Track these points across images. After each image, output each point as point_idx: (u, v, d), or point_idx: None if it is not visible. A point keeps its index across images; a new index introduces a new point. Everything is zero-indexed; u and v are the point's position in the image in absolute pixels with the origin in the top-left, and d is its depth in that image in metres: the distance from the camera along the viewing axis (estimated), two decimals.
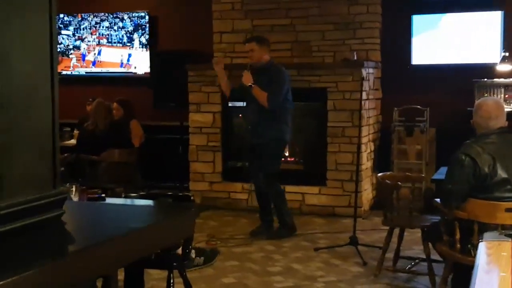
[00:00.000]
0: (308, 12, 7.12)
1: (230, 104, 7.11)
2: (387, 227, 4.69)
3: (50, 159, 1.83)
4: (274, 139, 5.71)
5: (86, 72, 8.64)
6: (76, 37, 8.63)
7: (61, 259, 1.56)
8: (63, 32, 8.56)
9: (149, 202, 3.15)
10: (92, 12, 8.51)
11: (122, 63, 8.43)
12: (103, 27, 8.50)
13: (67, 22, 8.61)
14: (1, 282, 1.32)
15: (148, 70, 8.22)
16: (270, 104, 5.61)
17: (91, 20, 8.54)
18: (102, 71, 8.56)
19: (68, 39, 8.64)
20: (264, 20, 7.27)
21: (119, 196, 4.63)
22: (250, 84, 5.71)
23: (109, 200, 3.87)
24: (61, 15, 8.48)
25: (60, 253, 1.63)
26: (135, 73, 8.35)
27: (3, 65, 1.63)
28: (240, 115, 6.83)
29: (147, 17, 8.23)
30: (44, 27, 1.81)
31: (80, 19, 8.57)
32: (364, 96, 6.26)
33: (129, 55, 8.39)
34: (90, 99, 7.65)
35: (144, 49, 8.27)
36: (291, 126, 5.82)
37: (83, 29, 8.59)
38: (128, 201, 3.24)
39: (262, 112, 5.66)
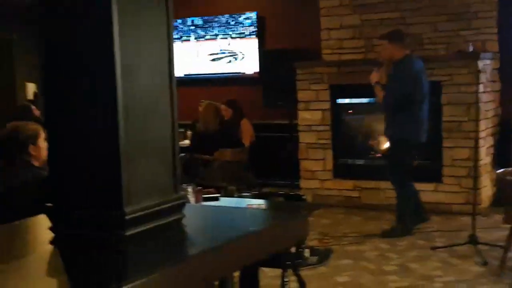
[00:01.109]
0: (419, 4, 6.91)
1: (339, 101, 7.05)
2: (509, 225, 4.46)
3: (171, 166, 1.90)
4: (400, 137, 5.63)
5: (196, 74, 8.86)
6: (185, 39, 8.88)
7: (183, 262, 1.61)
8: (175, 36, 8.84)
9: (263, 203, 3.19)
10: (201, 15, 8.72)
11: (231, 64, 8.57)
12: (213, 28, 8.69)
13: (176, 26, 8.88)
14: (129, 285, 1.37)
15: (257, 69, 8.32)
16: (385, 99, 5.58)
17: (200, 23, 8.75)
18: (212, 72, 8.75)
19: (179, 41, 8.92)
20: (373, 14, 7.14)
21: (232, 196, 4.73)
22: (374, 82, 5.67)
23: (223, 200, 3.96)
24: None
25: (182, 256, 1.68)
26: (244, 73, 8.47)
27: (131, 79, 1.72)
28: (350, 111, 6.76)
29: (255, 17, 8.33)
30: (164, 42, 1.90)
31: (188, 22, 8.80)
32: (481, 88, 5.98)
33: (238, 56, 8.52)
34: (202, 101, 7.86)
35: (253, 49, 8.37)
36: (420, 123, 5.64)
37: (193, 32, 8.82)
38: (242, 202, 3.29)
39: (390, 109, 5.63)
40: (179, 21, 8.83)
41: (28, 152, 3.34)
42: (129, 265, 1.62)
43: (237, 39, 8.51)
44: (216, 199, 3.88)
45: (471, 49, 6.45)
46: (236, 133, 7.05)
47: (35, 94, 9.65)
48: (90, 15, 1.70)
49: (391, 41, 5.67)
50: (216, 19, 8.64)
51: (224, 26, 8.60)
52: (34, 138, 3.38)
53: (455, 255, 5.01)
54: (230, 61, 8.60)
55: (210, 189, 4.12)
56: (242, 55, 8.50)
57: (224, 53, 8.65)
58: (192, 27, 8.85)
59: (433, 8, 6.83)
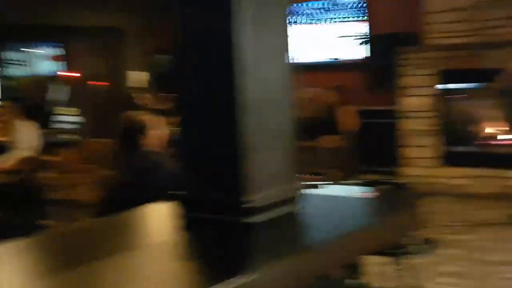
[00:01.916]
0: None
1: (447, 86, 6.87)
2: None
3: (291, 157, 1.96)
4: None
5: (302, 60, 8.87)
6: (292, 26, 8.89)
7: (306, 251, 1.67)
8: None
9: (373, 193, 3.18)
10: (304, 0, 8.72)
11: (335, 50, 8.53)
12: (315, 14, 8.65)
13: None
14: (257, 274, 1.45)
15: (363, 55, 8.21)
16: None
17: (307, 8, 8.72)
18: (317, 58, 8.73)
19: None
20: None
21: (337, 183, 4.75)
22: None
23: (332, 188, 3.98)
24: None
25: (305, 246, 1.74)
26: (350, 58, 8.38)
27: (256, 74, 1.79)
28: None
29: (358, 1, 8.23)
30: (283, 33, 1.96)
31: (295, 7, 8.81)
32: None
33: (342, 42, 8.46)
34: (310, 88, 7.87)
35: (358, 34, 8.27)
36: None
37: (301, 17, 8.81)
38: (352, 190, 3.29)
39: None
40: None
41: (141, 141, 3.53)
42: (251, 254, 1.70)
43: (344, 23, 8.41)
44: (322, 186, 3.91)
45: None
46: (339, 120, 7.05)
47: (149, 82, 10.01)
48: (219, 8, 1.79)
49: None
50: (317, 4, 8.60)
51: (326, 11, 8.55)
52: (145, 128, 3.56)
53: None
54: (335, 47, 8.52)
55: (313, 176, 4.16)
56: (348, 41, 8.42)
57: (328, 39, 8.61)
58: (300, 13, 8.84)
59: None
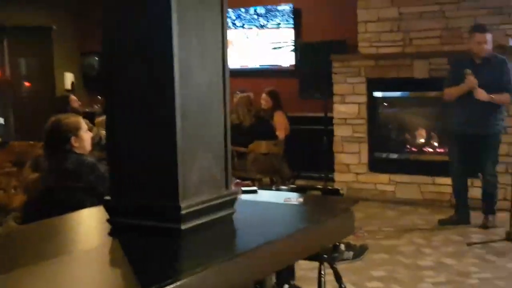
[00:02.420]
0: None
1: (376, 94, 7.04)
2: None
3: (224, 162, 1.96)
4: (500, 129, 5.66)
5: (233, 66, 8.91)
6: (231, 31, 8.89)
7: (236, 257, 1.66)
8: None
9: (302, 198, 3.21)
10: (236, 6, 8.75)
11: (267, 56, 8.60)
12: (248, 20, 8.71)
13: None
14: (185, 279, 1.43)
15: (293, 62, 8.33)
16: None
17: (236, 14, 8.77)
18: (249, 64, 8.78)
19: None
20: (412, 7, 7.08)
21: (267, 188, 4.77)
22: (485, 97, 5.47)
23: (261, 193, 4.00)
24: None
25: (235, 251, 1.74)
26: (280, 65, 8.49)
27: (186, 79, 1.77)
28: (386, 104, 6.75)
29: (291, 9, 8.33)
30: (219, 40, 1.95)
31: (229, 11, 8.83)
32: None
33: (274, 48, 8.54)
34: (237, 92, 7.92)
35: (289, 41, 8.38)
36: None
37: (231, 22, 8.84)
38: (280, 196, 3.31)
39: (484, 102, 5.49)
40: None
41: (71, 144, 3.44)
42: (183, 259, 1.68)
43: (273, 30, 8.51)
44: (255, 192, 3.92)
45: (511, 43, 6.37)
46: (271, 125, 7.09)
47: (72, 84, 9.81)
48: (149, 12, 1.76)
49: (491, 33, 5.58)
50: (250, 10, 8.66)
51: (259, 18, 8.62)
52: (75, 131, 3.48)
53: (492, 251, 4.99)
54: (266, 54, 8.62)
55: (247, 182, 4.16)
56: (279, 47, 8.51)
57: (259, 45, 8.68)
58: (228, 18, 8.88)
59: (473, 2, 6.76)
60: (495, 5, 6.65)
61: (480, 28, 5.61)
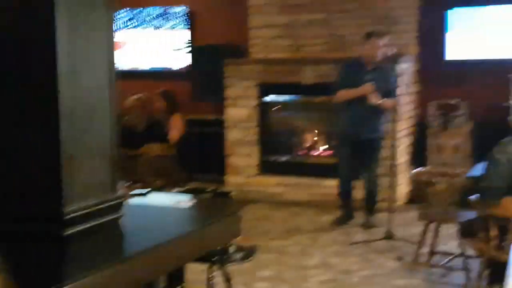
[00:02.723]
0: (345, 6, 7.16)
1: (267, 99, 7.22)
2: (423, 222, 4.73)
3: (111, 165, 1.97)
4: (383, 134, 5.89)
5: (126, 67, 8.78)
6: (119, 31, 8.78)
7: (120, 262, 1.68)
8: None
9: (194, 201, 3.26)
10: (131, 6, 8.66)
11: (161, 58, 8.58)
12: (143, 21, 8.64)
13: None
14: (68, 286, 1.44)
15: (186, 64, 8.35)
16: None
17: (131, 15, 8.68)
18: (142, 66, 8.71)
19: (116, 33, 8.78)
20: (300, 15, 7.32)
21: (160, 191, 4.77)
22: (377, 102, 5.73)
23: (152, 196, 4.01)
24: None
25: (119, 257, 1.75)
26: (174, 67, 8.49)
27: (71, 82, 1.77)
28: (277, 107, 6.94)
29: (185, 12, 8.35)
30: (106, 43, 1.95)
31: (122, 12, 8.71)
32: (401, 90, 6.27)
33: (168, 50, 8.53)
34: (134, 95, 7.84)
35: (183, 44, 8.40)
36: None
37: (123, 23, 8.74)
38: (170, 199, 3.35)
39: (372, 107, 5.72)
40: None
41: None
42: (67, 265, 1.68)
43: (167, 32, 8.50)
44: (145, 195, 3.92)
45: (392, 52, 6.72)
46: (164, 128, 7.07)
47: None
48: (32, 12, 1.74)
49: (379, 39, 5.79)
50: (145, 11, 8.61)
51: (153, 19, 8.58)
52: None
53: (372, 250, 5.26)
54: (159, 55, 8.59)
55: (137, 185, 4.15)
56: (172, 50, 8.51)
57: (154, 46, 8.64)
58: (120, 19, 8.77)
59: (359, 11, 7.09)
60: (379, 14, 7.00)
61: (376, 34, 5.87)
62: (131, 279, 1.66)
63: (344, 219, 6.09)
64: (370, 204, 6.04)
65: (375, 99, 5.72)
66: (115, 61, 1.97)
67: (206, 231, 2.15)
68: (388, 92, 5.75)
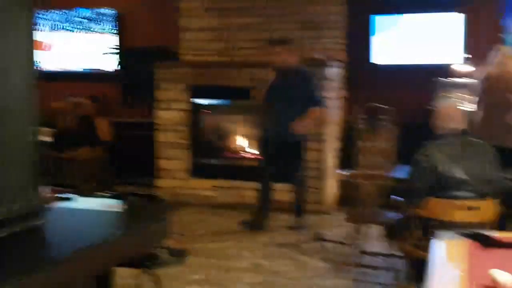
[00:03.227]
0: (274, 11, 7.24)
1: (197, 102, 7.21)
2: (351, 223, 4.84)
3: (31, 170, 1.92)
4: (306, 136, 5.91)
5: (54, 69, 8.60)
6: (47, 32, 8.59)
7: (42, 269, 1.65)
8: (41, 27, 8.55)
9: (122, 205, 3.22)
10: (62, 7, 8.49)
11: (90, 60, 8.44)
12: (72, 22, 8.48)
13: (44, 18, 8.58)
14: None
15: (116, 67, 8.25)
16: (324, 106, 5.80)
17: (61, 16, 8.50)
18: (71, 67, 8.55)
19: (45, 34, 8.60)
20: (232, 18, 7.37)
21: (88, 195, 4.68)
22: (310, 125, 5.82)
23: (80, 200, 3.94)
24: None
25: (42, 263, 1.71)
26: (103, 69, 8.37)
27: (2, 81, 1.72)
28: (211, 111, 6.95)
29: (114, 13, 8.25)
30: (23, 45, 1.90)
31: (49, 13, 8.52)
32: (329, 95, 6.41)
33: (98, 52, 8.40)
34: (69, 96, 7.67)
35: (112, 46, 8.29)
36: None
37: (53, 24, 8.55)
38: (99, 203, 3.30)
39: (294, 111, 5.72)
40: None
41: None
42: None
43: (97, 34, 8.38)
44: (72, 199, 3.85)
45: (320, 57, 6.86)
46: (94, 131, 6.97)
47: None
48: None
49: (287, 46, 5.82)
50: (75, 13, 8.45)
51: (82, 20, 8.43)
52: None
53: (302, 252, 5.34)
54: (89, 57, 8.45)
55: (64, 189, 4.07)
56: (102, 51, 8.38)
57: (82, 48, 8.49)
58: (49, 20, 8.57)
59: (288, 16, 7.19)
60: (307, 20, 7.13)
61: (277, 41, 5.93)
62: (53, 285, 1.63)
63: (257, 225, 6.04)
64: (298, 206, 6.11)
65: (300, 128, 5.75)
66: (35, 62, 1.92)
67: (134, 235, 2.13)
68: (312, 100, 5.78)
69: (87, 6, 8.39)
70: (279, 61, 5.80)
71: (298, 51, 5.96)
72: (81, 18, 8.43)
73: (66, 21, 8.51)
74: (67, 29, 8.51)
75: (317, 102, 5.81)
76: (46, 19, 8.54)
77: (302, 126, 5.75)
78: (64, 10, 8.48)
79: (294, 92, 5.75)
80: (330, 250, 5.26)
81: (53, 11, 8.49)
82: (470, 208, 3.69)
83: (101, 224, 2.24)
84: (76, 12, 8.44)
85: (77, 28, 8.47)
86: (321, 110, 5.82)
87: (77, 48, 8.49)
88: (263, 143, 6.24)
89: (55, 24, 8.54)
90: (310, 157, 6.66)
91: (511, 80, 5.47)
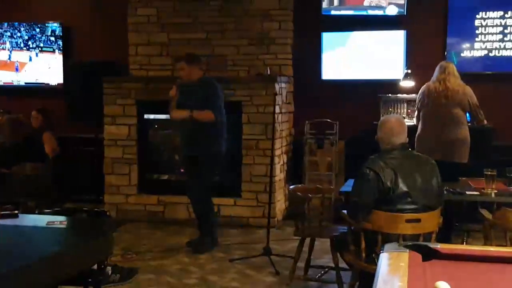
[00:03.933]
0: (224, 27, 7.30)
1: (145, 117, 7.16)
2: (299, 237, 4.88)
3: None
4: (212, 152, 5.77)
5: None
6: None
7: None
8: None
9: (65, 221, 3.18)
10: (7, 20, 8.34)
11: (40, 74, 8.30)
12: (17, 36, 8.34)
13: None
14: None
15: (61, 81, 8.14)
16: (217, 116, 5.68)
17: (7, 29, 8.35)
18: (15, 81, 8.38)
19: None
20: (180, 33, 7.38)
21: (32, 212, 4.60)
22: (187, 115, 5.69)
23: (23, 217, 3.86)
24: None
25: None
26: (48, 83, 8.24)
27: None
28: (156, 126, 6.91)
29: (60, 27, 8.15)
30: None
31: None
32: (277, 110, 6.47)
33: (43, 66, 8.27)
34: (1, 110, 7.54)
35: (57, 60, 8.18)
36: (226, 138, 5.91)
37: (2, 39, 8.40)
38: (43, 220, 3.25)
39: (198, 126, 5.69)
40: None
41: None
42: None
43: (41, 48, 8.25)
44: (15, 216, 3.77)
45: (268, 72, 6.95)
46: (39, 145, 6.83)
47: None
48: None
49: (189, 62, 5.83)
50: (17, 26, 8.31)
51: (25, 34, 8.30)
52: None
53: (251, 266, 5.34)
54: (32, 70, 8.31)
55: (7, 206, 3.98)
56: (45, 65, 8.26)
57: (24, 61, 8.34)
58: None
59: (237, 32, 7.25)
60: (255, 37, 7.21)
61: (178, 59, 6.04)
62: None
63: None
64: (198, 224, 5.98)
65: (178, 114, 5.80)
66: None
67: (77, 251, 2.10)
68: (206, 105, 5.69)
69: (33, 19, 8.26)
70: (181, 76, 5.86)
71: (202, 66, 5.96)
72: (26, 30, 8.29)
73: (11, 34, 8.35)
74: (12, 42, 8.35)
75: (209, 106, 5.70)
76: None
77: (177, 113, 5.79)
78: (7, 23, 8.32)
79: (196, 101, 5.72)
80: (279, 263, 5.28)
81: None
82: (413, 221, 3.78)
83: (43, 241, 2.20)
84: (20, 25, 8.29)
85: (22, 42, 8.32)
86: (207, 113, 5.70)
87: (24, 61, 8.34)
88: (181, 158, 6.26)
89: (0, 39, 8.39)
90: (259, 172, 6.71)
91: (454, 96, 5.65)
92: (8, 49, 8.39)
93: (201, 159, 5.79)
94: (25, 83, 8.34)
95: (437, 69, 5.82)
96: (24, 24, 8.30)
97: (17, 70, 8.36)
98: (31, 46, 8.30)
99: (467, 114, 5.79)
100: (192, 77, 5.82)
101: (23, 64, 8.35)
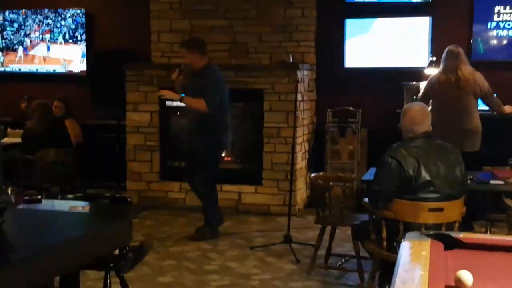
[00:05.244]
0: (246, 14, 7.26)
1: (168, 104, 7.17)
2: (320, 225, 4.87)
3: None
4: (209, 145, 5.71)
5: (22, 69, 8.50)
6: (20, 33, 8.50)
7: (3, 269, 1.63)
8: (8, 28, 8.49)
9: (87, 207, 3.20)
10: (34, 8, 8.40)
11: (64, 61, 8.36)
12: (44, 24, 8.40)
13: (11, 19, 8.49)
14: None
15: (84, 68, 8.18)
16: (209, 108, 5.55)
17: (34, 17, 8.41)
18: (39, 68, 8.45)
19: (12, 35, 8.51)
20: (202, 20, 7.36)
21: (55, 197, 4.62)
22: (178, 98, 5.65)
23: (46, 202, 3.89)
24: (6, 12, 8.43)
25: (2, 264, 1.69)
26: (72, 71, 8.29)
27: None
28: (178, 113, 6.91)
29: (84, 15, 8.18)
30: None
31: (24, 16, 8.43)
32: (299, 97, 6.45)
33: (67, 53, 8.32)
34: (26, 97, 7.59)
35: (82, 47, 8.22)
36: (228, 130, 5.83)
37: (26, 25, 8.46)
38: (65, 205, 3.27)
39: (196, 118, 5.67)
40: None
41: None
42: None
43: (65, 35, 8.30)
44: (38, 201, 3.80)
45: (291, 60, 6.90)
46: (63, 132, 6.89)
47: None
48: None
49: (190, 49, 5.71)
50: (40, 13, 8.37)
51: (49, 21, 8.35)
52: None
53: (271, 254, 5.34)
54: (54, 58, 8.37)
55: (31, 191, 4.02)
56: (70, 53, 8.31)
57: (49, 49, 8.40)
58: (12, 21, 8.49)
59: (259, 19, 7.21)
60: (278, 24, 7.16)
61: (184, 44, 5.96)
62: (15, 284, 1.60)
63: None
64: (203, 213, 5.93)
65: (168, 94, 5.79)
66: None
67: (98, 236, 2.11)
68: (203, 94, 5.58)
69: (56, 6, 8.30)
70: (185, 63, 5.77)
71: (204, 51, 5.78)
72: (49, 18, 8.34)
73: (33, 22, 8.41)
74: (34, 30, 8.41)
75: (205, 95, 5.58)
76: (13, 20, 8.46)
77: (170, 94, 5.77)
78: (29, 10, 8.38)
79: (196, 89, 5.63)
80: (299, 252, 5.28)
81: (18, 11, 8.41)
82: (436, 210, 3.74)
83: (65, 225, 2.22)
84: (43, 12, 8.35)
85: (47, 29, 8.38)
86: (200, 101, 5.59)
87: (45, 48, 8.41)
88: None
89: (22, 25, 8.45)
90: (280, 160, 6.70)
91: (466, 85, 5.52)
92: (36, 38, 8.44)
93: (200, 152, 5.73)
94: (48, 70, 8.39)
95: (446, 55, 5.64)
96: (48, 10, 8.33)
97: (41, 57, 8.42)
98: (55, 32, 8.34)
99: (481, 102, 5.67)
100: (196, 64, 5.68)
101: (45, 52, 8.41)
